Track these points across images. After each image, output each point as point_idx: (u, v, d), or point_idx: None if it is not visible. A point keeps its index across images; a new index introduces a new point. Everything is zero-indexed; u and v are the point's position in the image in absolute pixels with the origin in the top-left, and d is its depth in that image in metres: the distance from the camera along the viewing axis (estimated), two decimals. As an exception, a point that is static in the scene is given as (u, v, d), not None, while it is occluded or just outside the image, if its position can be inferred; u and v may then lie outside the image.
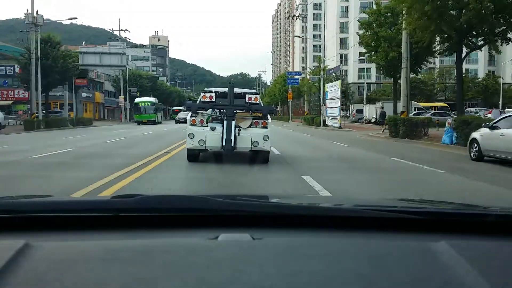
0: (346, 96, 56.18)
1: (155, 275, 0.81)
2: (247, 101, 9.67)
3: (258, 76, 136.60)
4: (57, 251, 0.92)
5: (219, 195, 1.26)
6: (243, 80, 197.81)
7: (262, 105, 10.30)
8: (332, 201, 2.28)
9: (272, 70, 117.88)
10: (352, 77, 71.97)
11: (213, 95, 9.86)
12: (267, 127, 9.32)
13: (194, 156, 9.54)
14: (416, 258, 0.93)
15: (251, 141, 9.13)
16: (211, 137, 9.09)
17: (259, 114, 9.46)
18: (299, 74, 62.83)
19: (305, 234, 1.08)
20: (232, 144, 8.81)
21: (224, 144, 8.79)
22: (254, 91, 10.76)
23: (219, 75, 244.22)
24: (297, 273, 0.83)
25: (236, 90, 9.87)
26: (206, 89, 10.52)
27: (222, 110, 9.38)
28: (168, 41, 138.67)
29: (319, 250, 0.94)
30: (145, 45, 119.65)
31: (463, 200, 5.24)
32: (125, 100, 54.91)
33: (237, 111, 9.27)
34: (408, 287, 0.81)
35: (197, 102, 10.10)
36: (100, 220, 1.12)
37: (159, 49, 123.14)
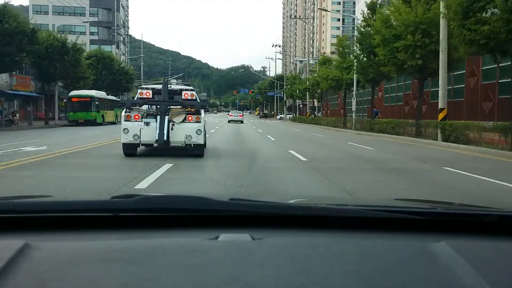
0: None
1: (155, 275, 0.81)
2: (183, 97, 10.27)
3: (262, 69, 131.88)
4: (57, 251, 0.92)
5: (219, 195, 1.27)
6: (244, 73, 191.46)
7: (198, 101, 10.91)
8: (332, 201, 2.27)
9: (283, 59, 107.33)
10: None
11: (150, 92, 10.41)
12: (200, 122, 9.83)
13: (131, 151, 9.94)
14: (416, 258, 0.92)
15: (185, 135, 9.66)
16: (145, 132, 9.61)
17: (192, 109, 9.94)
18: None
19: (305, 234, 1.07)
20: (166, 138, 9.36)
21: (157, 138, 9.36)
22: (191, 88, 11.57)
23: (218, 68, 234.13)
24: (297, 273, 0.83)
25: (173, 87, 10.58)
26: (143, 86, 11.39)
27: (157, 106, 9.87)
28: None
29: (319, 250, 0.94)
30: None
31: None
32: None
33: (171, 106, 9.80)
34: (408, 287, 0.81)
35: (135, 99, 10.72)
36: (100, 220, 1.12)
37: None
